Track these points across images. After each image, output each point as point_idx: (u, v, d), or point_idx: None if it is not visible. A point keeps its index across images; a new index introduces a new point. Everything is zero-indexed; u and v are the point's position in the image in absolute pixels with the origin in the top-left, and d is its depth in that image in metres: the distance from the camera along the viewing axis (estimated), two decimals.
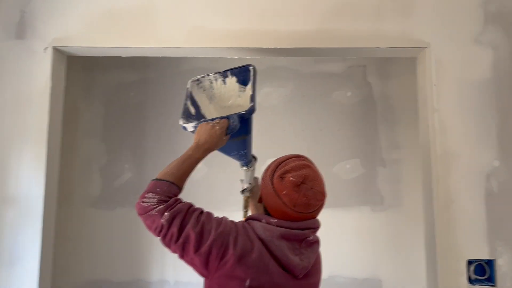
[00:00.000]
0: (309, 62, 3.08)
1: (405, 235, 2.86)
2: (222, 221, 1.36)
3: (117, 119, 3.03)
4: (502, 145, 2.08)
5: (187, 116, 1.73)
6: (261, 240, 1.32)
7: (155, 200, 1.32)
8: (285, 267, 1.32)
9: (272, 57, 2.49)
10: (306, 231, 1.37)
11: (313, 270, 1.42)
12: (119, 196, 2.95)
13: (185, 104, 1.78)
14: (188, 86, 1.86)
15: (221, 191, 2.92)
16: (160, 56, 2.28)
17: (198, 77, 1.89)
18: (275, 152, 3.05)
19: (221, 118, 1.57)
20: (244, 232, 1.33)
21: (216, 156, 2.92)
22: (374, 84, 3.05)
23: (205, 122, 1.56)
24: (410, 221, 2.86)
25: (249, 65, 1.83)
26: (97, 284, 2.84)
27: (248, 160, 1.86)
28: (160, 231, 1.29)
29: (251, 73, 1.79)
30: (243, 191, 1.93)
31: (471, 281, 2.00)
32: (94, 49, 2.22)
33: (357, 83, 3.06)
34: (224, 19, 2.18)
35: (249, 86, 1.79)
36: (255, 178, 1.96)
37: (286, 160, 1.41)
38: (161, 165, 2.93)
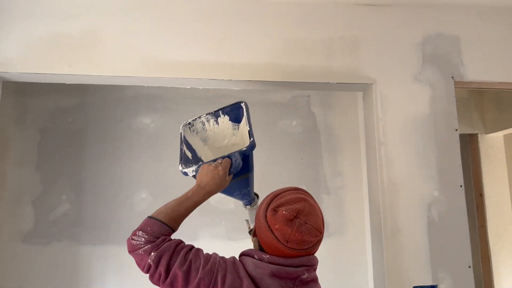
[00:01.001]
0: (256, 91, 3.12)
1: (349, 261, 2.95)
2: (210, 258, 1.31)
3: (54, 146, 2.83)
4: (440, 176, 2.24)
5: (185, 161, 1.66)
6: (252, 278, 1.26)
7: (143, 239, 1.31)
8: None
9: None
10: (300, 269, 1.26)
11: None
12: (55, 230, 2.73)
13: (181, 149, 1.72)
14: (181, 130, 1.81)
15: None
16: (106, 84, 2.18)
17: (190, 120, 1.84)
18: None
19: (223, 157, 1.51)
20: (234, 269, 1.28)
21: (163, 185, 2.81)
22: (318, 114, 3.15)
23: (207, 164, 1.49)
24: (353, 248, 2.96)
25: (241, 102, 1.79)
26: None
27: (251, 198, 1.82)
28: (148, 270, 1.28)
29: (244, 110, 1.75)
30: (250, 232, 1.77)
31: None
32: (33, 75, 2.07)
33: (302, 112, 3.15)
34: (177, 50, 2.15)
35: (244, 122, 1.75)
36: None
37: (282, 193, 1.34)
38: (102, 195, 2.81)
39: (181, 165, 1.62)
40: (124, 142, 2.90)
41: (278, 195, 1.33)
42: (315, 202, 1.34)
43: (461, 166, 2.29)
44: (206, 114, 1.84)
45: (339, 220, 3.03)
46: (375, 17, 2.36)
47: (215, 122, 1.84)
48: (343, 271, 2.97)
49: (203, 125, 1.85)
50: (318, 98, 3.18)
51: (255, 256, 1.30)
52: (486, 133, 3.71)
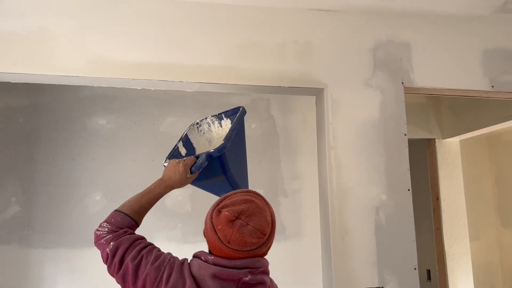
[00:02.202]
0: (215, 94, 3.12)
1: (305, 263, 2.97)
2: (161, 256, 1.32)
3: (4, 147, 2.75)
4: (388, 180, 2.29)
5: (175, 156, 1.73)
6: (195, 278, 1.25)
7: (106, 230, 1.39)
8: None
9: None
10: (243, 271, 1.24)
11: None
12: (3, 233, 2.65)
13: (175, 146, 1.81)
14: (187, 129, 1.91)
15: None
16: (56, 83, 2.14)
17: (198, 120, 1.95)
18: None
19: (196, 156, 1.59)
20: (180, 269, 1.28)
21: (117, 187, 2.77)
22: (277, 117, 3.17)
23: (173, 159, 1.58)
24: (310, 250, 2.98)
25: (240, 107, 1.86)
26: None
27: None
28: (106, 260, 1.33)
29: (237, 115, 1.80)
30: None
31: None
32: None
33: (261, 115, 3.16)
34: (127, 51, 2.13)
35: (229, 124, 1.83)
36: None
37: (231, 195, 1.34)
38: (54, 197, 2.75)
39: (166, 160, 1.70)
40: (79, 143, 2.85)
41: (227, 197, 1.33)
42: (266, 204, 1.33)
43: (409, 170, 2.34)
44: (212, 116, 1.93)
45: (296, 223, 3.05)
46: (328, 22, 2.39)
47: (219, 125, 1.93)
48: (300, 274, 2.99)
49: (209, 126, 1.94)
50: (277, 102, 3.19)
51: (202, 258, 1.29)
52: (443, 138, 3.80)
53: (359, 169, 2.26)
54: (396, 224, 2.25)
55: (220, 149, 1.59)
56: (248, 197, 1.32)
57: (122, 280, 1.30)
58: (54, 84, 2.82)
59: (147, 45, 2.16)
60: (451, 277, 3.60)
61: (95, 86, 2.31)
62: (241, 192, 1.35)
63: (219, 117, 1.91)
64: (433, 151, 3.81)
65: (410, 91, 2.45)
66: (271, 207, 1.35)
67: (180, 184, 1.56)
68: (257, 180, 3.07)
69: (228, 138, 1.65)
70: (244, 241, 1.23)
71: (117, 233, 1.38)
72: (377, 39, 2.42)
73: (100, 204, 2.80)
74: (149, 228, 2.81)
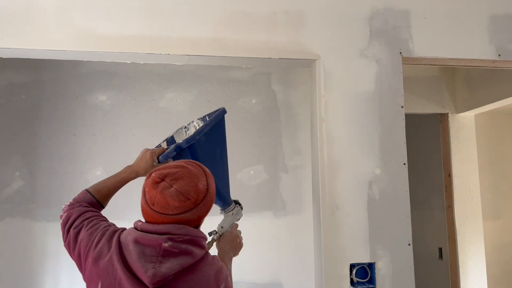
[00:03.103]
0: (214, 68, 3.08)
1: (305, 239, 2.95)
2: (97, 224, 1.36)
3: (7, 122, 2.83)
4: (383, 154, 2.21)
5: None
6: (120, 244, 1.26)
7: (68, 203, 1.50)
8: (135, 274, 1.20)
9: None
10: (163, 237, 1.21)
11: (180, 286, 1.22)
12: (8, 206, 2.75)
13: (159, 144, 1.91)
14: (174, 131, 1.98)
15: (121, 201, 2.82)
16: (45, 58, 2.15)
17: (185, 124, 2.00)
18: None
19: (168, 147, 1.66)
20: (110, 236, 1.30)
21: (118, 163, 2.81)
22: (278, 92, 3.11)
23: (146, 148, 1.69)
24: (309, 226, 2.95)
25: (221, 108, 1.91)
26: None
27: (223, 202, 1.82)
28: (62, 230, 1.39)
29: (216, 112, 1.85)
30: (210, 233, 1.76)
31: (353, 283, 2.10)
32: None
33: (262, 90, 3.11)
34: (114, 24, 2.11)
35: (205, 118, 1.88)
36: (233, 225, 1.84)
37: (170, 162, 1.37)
38: (56, 171, 2.81)
39: None
40: (79, 119, 2.90)
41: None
42: (204, 174, 1.31)
43: (405, 144, 2.25)
44: (198, 119, 1.97)
45: (297, 199, 3.02)
46: None
47: None
48: (300, 250, 2.97)
49: (195, 129, 1.95)
50: (279, 76, 3.13)
51: (134, 224, 1.30)
52: (457, 112, 3.65)
53: (352, 142, 2.19)
54: (390, 199, 2.18)
55: (189, 140, 1.61)
56: (183, 163, 1.31)
57: (68, 248, 1.35)
58: (55, 61, 2.86)
59: (133, 17, 2.13)
60: (461, 256, 3.50)
61: (93, 61, 2.33)
62: (182, 160, 1.35)
63: (203, 119, 1.93)
64: (446, 126, 3.66)
65: (409, 62, 2.33)
66: (211, 178, 1.33)
67: (145, 171, 1.61)
68: (257, 156, 3.04)
69: (199, 131, 1.66)
70: (166, 203, 1.21)
71: (72, 205, 1.47)
72: (374, 7, 2.31)
73: (101, 179, 2.84)
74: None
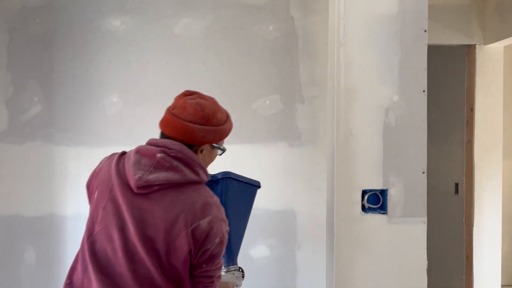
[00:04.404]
0: None
1: (319, 169, 2.95)
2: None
3: (23, 47, 2.83)
4: (402, 81, 2.13)
5: None
6: (122, 157, 1.36)
7: None
8: (126, 178, 1.28)
9: None
10: (158, 149, 1.30)
11: (163, 201, 1.27)
12: (28, 130, 2.82)
13: None
14: None
15: (137, 127, 2.85)
16: None
17: None
18: (194, 86, 3.00)
19: None
20: (112, 155, 1.41)
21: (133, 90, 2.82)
22: (297, 19, 2.99)
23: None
24: (324, 156, 2.95)
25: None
26: (7, 219, 2.78)
27: (230, 259, 1.79)
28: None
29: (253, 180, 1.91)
30: None
31: (364, 209, 2.12)
32: None
33: (280, 17, 2.99)
34: None
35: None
36: (230, 283, 1.76)
37: None
38: (73, 97, 2.84)
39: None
40: (94, 44, 2.87)
41: None
42: (226, 113, 1.44)
43: (426, 70, 2.15)
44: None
45: (312, 130, 2.99)
46: None
47: None
48: (314, 179, 2.99)
49: None
50: (298, 1, 2.99)
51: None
52: (485, 43, 3.46)
53: (370, 68, 2.12)
54: (406, 126, 2.13)
55: (225, 173, 1.71)
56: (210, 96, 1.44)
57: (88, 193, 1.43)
58: None
59: None
60: (477, 191, 3.47)
61: None
62: None
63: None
64: (473, 58, 3.50)
65: None
66: (230, 123, 1.44)
67: None
68: (273, 86, 2.99)
69: (236, 175, 1.76)
70: (184, 107, 1.34)
71: None
72: None
73: (117, 106, 2.86)
74: None
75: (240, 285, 1.82)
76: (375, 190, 2.12)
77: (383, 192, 2.12)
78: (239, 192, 1.71)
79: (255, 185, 1.91)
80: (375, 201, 2.12)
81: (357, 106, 2.11)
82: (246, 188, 1.83)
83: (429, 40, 2.19)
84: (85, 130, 2.84)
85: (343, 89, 2.10)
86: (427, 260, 2.22)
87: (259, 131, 3.02)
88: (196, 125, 1.31)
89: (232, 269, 1.81)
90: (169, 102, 3.04)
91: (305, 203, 2.99)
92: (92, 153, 2.81)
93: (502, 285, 3.55)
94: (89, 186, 1.41)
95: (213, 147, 1.40)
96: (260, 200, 3.25)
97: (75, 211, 2.85)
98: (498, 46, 3.47)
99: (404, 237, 2.16)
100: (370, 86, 2.11)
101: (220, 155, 1.47)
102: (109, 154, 1.38)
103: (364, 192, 2.10)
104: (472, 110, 3.49)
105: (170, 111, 1.37)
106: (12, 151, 2.81)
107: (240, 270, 1.84)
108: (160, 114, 2.75)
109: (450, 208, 3.72)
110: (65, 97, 2.84)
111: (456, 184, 3.70)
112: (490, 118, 3.48)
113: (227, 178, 1.71)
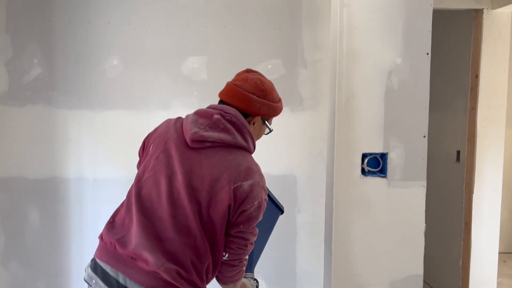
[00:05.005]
0: None
1: (320, 135, 2.95)
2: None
3: (22, 9, 2.77)
4: (406, 44, 2.10)
5: None
6: (182, 118, 1.51)
7: None
8: (182, 133, 1.43)
9: None
10: (216, 111, 1.45)
11: (212, 158, 1.39)
12: (29, 93, 2.81)
13: None
14: None
15: (138, 90, 2.84)
16: None
17: None
18: (194, 49, 2.96)
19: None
20: (171, 118, 1.57)
21: (133, 52, 2.79)
22: None
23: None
24: (325, 122, 2.94)
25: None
26: (10, 181, 2.80)
27: (248, 266, 1.78)
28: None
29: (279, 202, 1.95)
30: None
31: (364, 172, 2.13)
32: None
33: None
34: None
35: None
36: (245, 284, 1.76)
37: None
38: (73, 60, 2.82)
39: None
40: (93, 5, 2.81)
41: None
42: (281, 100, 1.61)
43: (430, 33, 2.12)
44: None
45: (314, 95, 2.96)
46: None
47: None
48: (315, 144, 2.99)
49: None
50: None
51: None
52: (493, 8, 3.38)
53: (374, 30, 2.08)
54: (409, 90, 2.11)
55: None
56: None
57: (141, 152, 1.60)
58: None
59: None
60: (479, 159, 3.47)
61: None
62: None
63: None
64: (480, 23, 3.42)
65: None
66: (281, 101, 1.59)
67: None
68: (275, 49, 2.94)
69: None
70: (245, 79, 1.50)
71: None
72: None
73: (118, 69, 2.84)
74: (165, 95, 2.87)
75: None
76: (375, 153, 2.13)
77: (383, 156, 2.12)
78: (268, 207, 1.71)
79: (280, 209, 1.95)
80: (375, 164, 2.12)
81: (359, 68, 2.09)
82: (273, 207, 1.89)
83: (435, 4, 2.13)
84: (85, 93, 2.83)
85: (346, 51, 2.08)
86: (426, 225, 2.24)
87: None
88: (254, 96, 1.46)
89: (248, 275, 1.86)
90: (170, 64, 3.03)
91: (306, 168, 3.00)
92: (93, 116, 2.81)
93: (499, 252, 3.59)
94: (146, 141, 1.56)
95: (264, 123, 1.55)
96: (261, 165, 3.28)
97: (77, 174, 2.88)
98: (506, 11, 3.39)
99: (403, 200, 2.18)
100: (373, 48, 2.08)
101: (267, 134, 1.61)
102: (110, 117, 1.48)
103: (364, 156, 2.11)
104: (477, 76, 3.45)
105: (231, 83, 1.52)
106: (13, 113, 2.81)
107: (256, 280, 1.90)
108: (161, 76, 2.76)
109: (451, 175, 3.74)
110: (65, 60, 2.81)
111: (458, 152, 3.70)
112: (495, 85, 3.43)
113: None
